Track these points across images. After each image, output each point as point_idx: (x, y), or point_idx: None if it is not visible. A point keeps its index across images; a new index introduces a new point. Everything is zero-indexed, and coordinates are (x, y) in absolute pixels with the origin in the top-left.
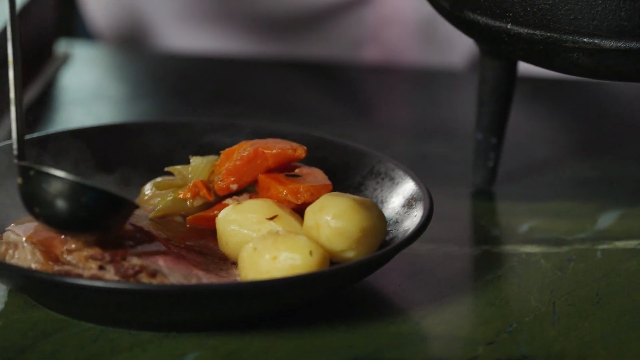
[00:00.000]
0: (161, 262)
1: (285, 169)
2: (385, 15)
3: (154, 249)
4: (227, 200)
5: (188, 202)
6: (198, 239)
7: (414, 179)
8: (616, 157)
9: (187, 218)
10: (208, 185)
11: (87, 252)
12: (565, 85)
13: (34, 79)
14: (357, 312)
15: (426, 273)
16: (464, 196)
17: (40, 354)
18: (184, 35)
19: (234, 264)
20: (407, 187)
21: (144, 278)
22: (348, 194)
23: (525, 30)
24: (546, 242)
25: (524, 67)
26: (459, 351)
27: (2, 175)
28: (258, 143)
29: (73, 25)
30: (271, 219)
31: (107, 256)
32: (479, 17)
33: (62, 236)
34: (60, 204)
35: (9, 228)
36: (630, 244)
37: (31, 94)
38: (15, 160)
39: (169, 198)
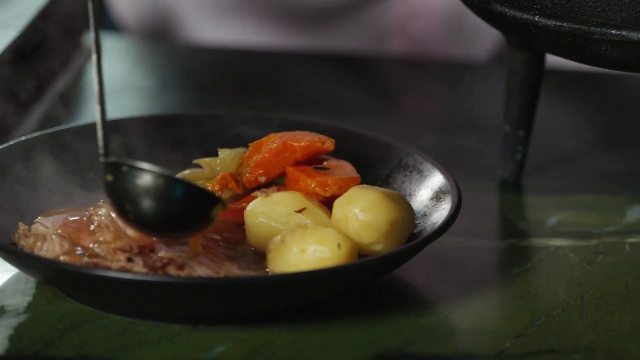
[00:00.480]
0: (189, 255)
1: (313, 161)
2: (411, 7)
3: (181, 242)
4: (256, 193)
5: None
6: (226, 231)
7: (442, 172)
8: None
9: None
10: (236, 177)
11: (115, 244)
12: (593, 77)
13: (63, 71)
14: (384, 305)
15: (454, 266)
16: (491, 189)
17: (68, 345)
18: (211, 27)
19: (262, 256)
20: (436, 179)
21: (172, 270)
22: (376, 187)
23: (553, 23)
24: (574, 236)
25: (552, 60)
26: (486, 344)
27: (30, 168)
28: (286, 135)
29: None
30: (299, 211)
31: (136, 248)
32: (506, 10)
33: (146, 236)
34: (154, 200)
35: (37, 220)
36: None
37: (60, 86)
38: (102, 158)
39: None
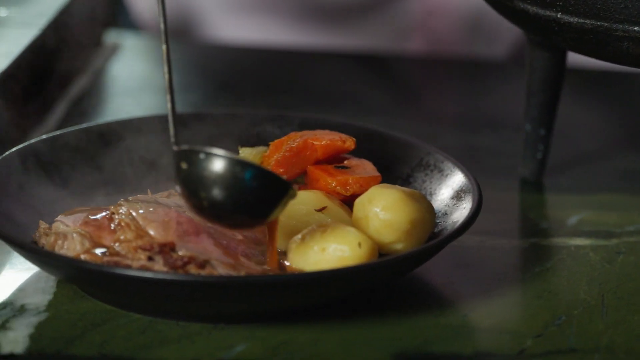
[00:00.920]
0: (210, 254)
1: (334, 160)
2: (431, 5)
3: (202, 240)
4: None
5: None
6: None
7: (462, 171)
8: None
9: None
10: None
11: (136, 242)
12: (614, 76)
13: (84, 69)
14: (405, 304)
15: (474, 265)
16: (512, 188)
17: (88, 344)
18: (232, 25)
19: (283, 255)
20: (456, 179)
21: (193, 269)
22: (397, 186)
23: (575, 20)
24: (595, 235)
25: (573, 59)
26: (507, 344)
27: (50, 167)
28: (307, 134)
29: (121, 15)
30: (320, 210)
31: (156, 247)
32: (528, 7)
33: (208, 225)
34: (230, 186)
35: (58, 219)
36: None
37: (81, 84)
38: (175, 147)
39: None
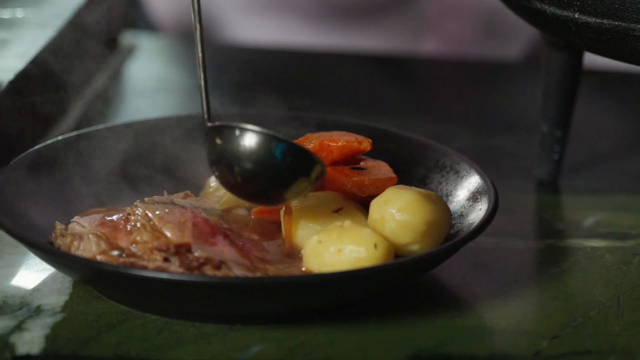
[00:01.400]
0: (226, 255)
1: (350, 161)
2: (445, 6)
3: (218, 242)
4: None
5: None
6: (263, 231)
7: (478, 173)
8: None
9: (252, 210)
10: None
11: (152, 244)
12: (631, 78)
13: (100, 70)
14: (421, 305)
15: (490, 267)
16: (528, 189)
17: (104, 345)
18: (247, 26)
19: (299, 256)
20: (472, 180)
21: (209, 270)
22: (413, 187)
23: (593, 20)
24: (611, 236)
25: (589, 60)
26: (523, 345)
27: (67, 168)
28: (323, 135)
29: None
30: (336, 211)
31: (172, 248)
32: (546, 7)
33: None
34: (264, 160)
35: (74, 220)
36: None
37: (97, 85)
38: (209, 123)
39: None
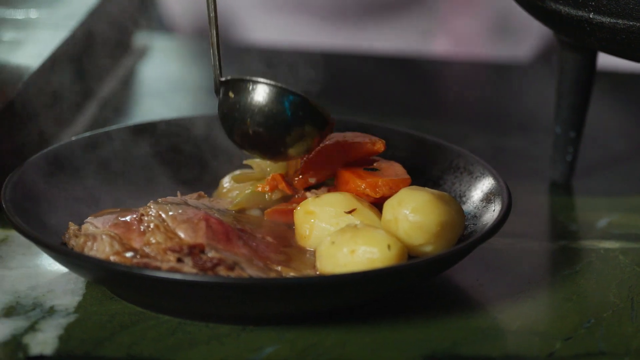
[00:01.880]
0: (239, 255)
1: (363, 162)
2: (455, 6)
3: (232, 242)
4: (306, 194)
5: (266, 196)
6: (276, 232)
7: (492, 174)
8: None
9: (265, 211)
10: (286, 178)
11: (165, 244)
12: None
13: (113, 71)
14: (434, 306)
15: (504, 268)
16: (541, 190)
17: (117, 346)
18: (262, 26)
19: (312, 257)
20: (486, 181)
21: (222, 271)
22: (427, 188)
23: (608, 20)
24: (625, 238)
25: (603, 61)
26: (536, 346)
27: (80, 169)
28: (337, 136)
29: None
30: (350, 212)
31: (186, 249)
32: (560, 7)
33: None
34: (276, 112)
35: (87, 220)
36: None
37: (110, 86)
38: (221, 78)
39: (247, 191)
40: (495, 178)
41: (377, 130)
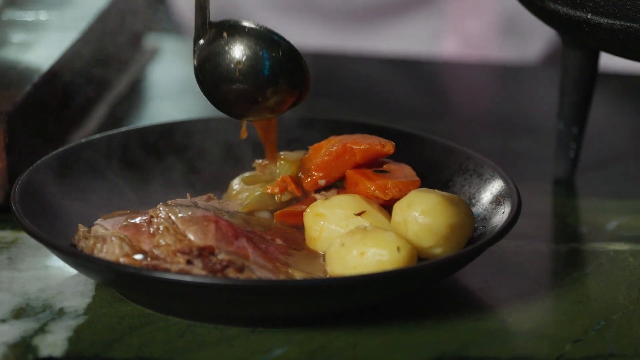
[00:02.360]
0: (249, 257)
1: (373, 164)
2: (465, 6)
3: (241, 244)
4: (315, 196)
5: (276, 198)
6: (285, 234)
7: (502, 176)
8: None
9: (275, 213)
10: (296, 180)
11: (175, 246)
12: None
13: (123, 73)
14: (443, 309)
15: (513, 270)
16: (551, 193)
17: (127, 347)
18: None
19: (321, 259)
20: (496, 183)
21: (232, 273)
22: (436, 190)
23: (605, 20)
24: (634, 240)
25: (613, 63)
26: (545, 349)
27: (90, 170)
28: (346, 138)
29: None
30: (359, 214)
31: (195, 251)
32: (559, 7)
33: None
34: (268, 53)
35: (97, 222)
36: None
37: (120, 87)
38: (209, 20)
39: (256, 193)
40: (504, 180)
41: (386, 132)
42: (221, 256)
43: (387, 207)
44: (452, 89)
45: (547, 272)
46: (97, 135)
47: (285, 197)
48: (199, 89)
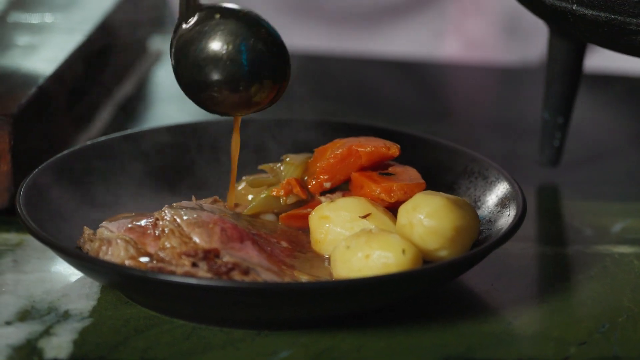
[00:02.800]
0: (254, 260)
1: (378, 167)
2: (466, 7)
3: (246, 247)
4: (320, 198)
5: (281, 200)
6: (291, 236)
7: (507, 178)
8: None
9: (280, 216)
10: (301, 183)
11: (180, 249)
12: None
13: (129, 75)
14: (449, 311)
15: (518, 272)
16: (556, 195)
17: (132, 350)
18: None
19: (326, 262)
20: (501, 186)
21: (237, 276)
22: (441, 193)
23: (590, 12)
24: (639, 243)
25: (619, 65)
26: (550, 351)
27: (95, 173)
28: (351, 141)
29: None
30: (364, 217)
31: (200, 253)
32: None
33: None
34: (257, 40)
35: (102, 224)
36: None
37: (126, 90)
38: (199, 2)
39: (262, 196)
40: (510, 183)
41: (391, 135)
42: (226, 259)
43: (392, 209)
44: (455, 91)
45: (553, 274)
46: (103, 138)
47: (291, 200)
48: None
